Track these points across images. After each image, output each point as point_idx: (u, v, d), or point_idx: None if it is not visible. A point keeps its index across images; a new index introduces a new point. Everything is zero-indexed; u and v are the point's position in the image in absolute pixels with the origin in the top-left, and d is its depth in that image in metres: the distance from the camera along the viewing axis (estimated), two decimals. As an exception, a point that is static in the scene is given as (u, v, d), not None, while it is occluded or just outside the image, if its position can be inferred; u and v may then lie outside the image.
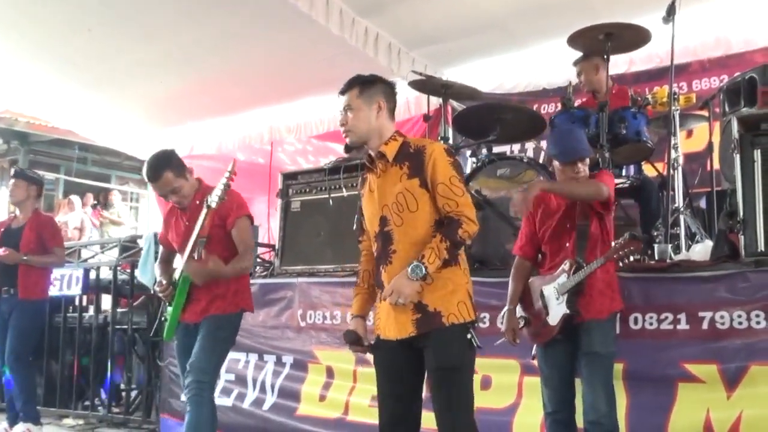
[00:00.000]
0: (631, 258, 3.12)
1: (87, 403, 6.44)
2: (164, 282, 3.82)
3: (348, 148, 2.97)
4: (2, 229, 5.63)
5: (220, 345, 3.84)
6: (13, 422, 5.47)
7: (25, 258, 5.39)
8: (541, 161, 4.78)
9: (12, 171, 6.04)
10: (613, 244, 3.16)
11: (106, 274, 6.71)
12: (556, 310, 3.34)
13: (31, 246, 5.46)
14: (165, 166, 3.77)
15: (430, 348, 2.79)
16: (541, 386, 3.46)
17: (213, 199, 3.59)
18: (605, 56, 4.39)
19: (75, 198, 11.75)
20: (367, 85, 2.93)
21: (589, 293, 3.29)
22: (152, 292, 6.03)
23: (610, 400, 3.23)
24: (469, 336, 2.79)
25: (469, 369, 2.84)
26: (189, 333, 3.83)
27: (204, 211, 3.61)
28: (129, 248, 6.61)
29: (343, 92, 2.94)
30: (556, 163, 3.52)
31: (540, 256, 3.54)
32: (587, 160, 3.47)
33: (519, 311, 3.52)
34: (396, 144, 2.91)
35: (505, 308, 3.51)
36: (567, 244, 3.38)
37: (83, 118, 8.46)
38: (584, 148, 3.49)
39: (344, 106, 2.92)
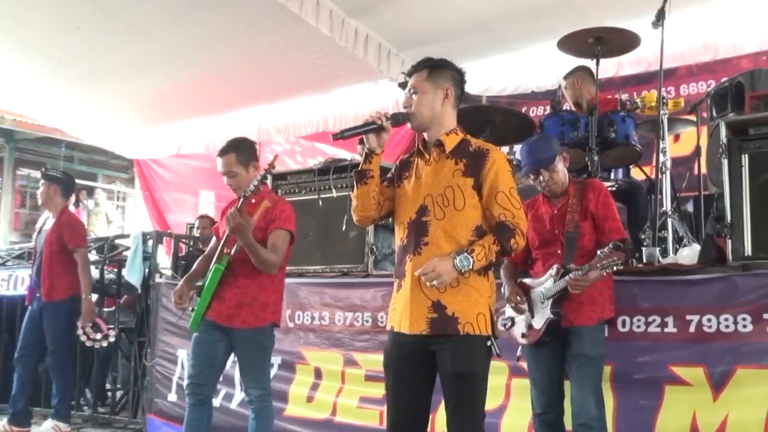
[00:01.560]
0: (614, 268, 3.11)
1: (72, 402, 6.39)
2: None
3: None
4: (38, 232, 5.79)
5: (268, 354, 3.96)
6: (14, 420, 5.48)
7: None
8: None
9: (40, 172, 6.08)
10: (598, 253, 3.16)
11: (92, 273, 6.66)
12: (541, 314, 3.37)
13: (53, 247, 5.48)
14: (232, 148, 3.89)
15: (447, 352, 2.67)
16: (530, 387, 3.48)
17: (249, 189, 3.62)
18: (596, 61, 4.42)
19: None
20: (437, 69, 2.81)
21: (578, 300, 3.31)
22: (139, 290, 6.03)
23: (599, 403, 3.25)
24: (489, 343, 2.70)
25: (485, 376, 2.72)
26: (209, 329, 3.81)
27: (241, 200, 3.64)
28: (116, 247, 6.56)
29: (410, 74, 2.83)
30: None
31: (532, 259, 3.57)
32: (549, 168, 3.43)
33: (508, 311, 3.53)
34: (457, 138, 2.81)
35: (506, 295, 3.48)
36: (558, 251, 3.40)
37: (70, 117, 8.44)
38: (530, 161, 3.47)
39: (410, 88, 2.80)
